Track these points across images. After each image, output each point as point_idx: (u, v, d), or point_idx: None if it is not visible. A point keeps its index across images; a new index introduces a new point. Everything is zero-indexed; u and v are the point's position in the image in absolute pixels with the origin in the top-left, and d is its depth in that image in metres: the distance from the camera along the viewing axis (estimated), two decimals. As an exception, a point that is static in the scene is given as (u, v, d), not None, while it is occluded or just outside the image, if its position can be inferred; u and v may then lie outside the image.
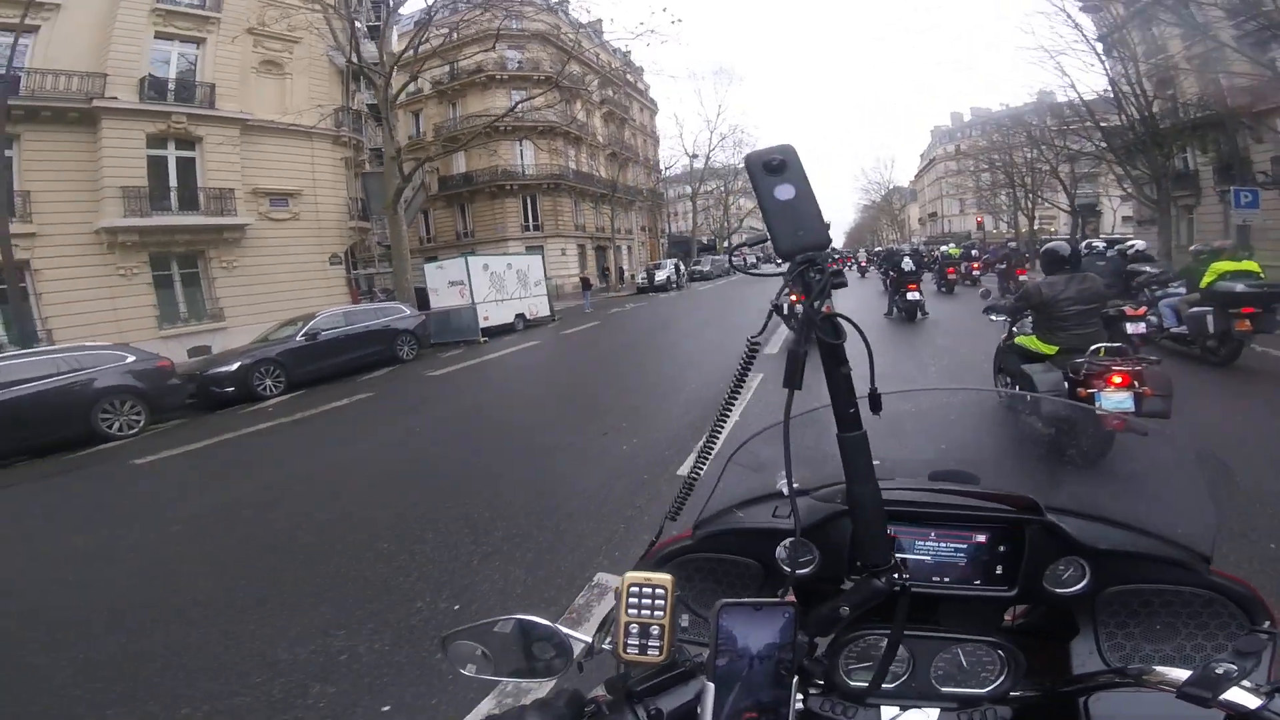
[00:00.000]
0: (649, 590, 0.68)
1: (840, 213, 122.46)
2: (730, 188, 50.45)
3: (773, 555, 0.89)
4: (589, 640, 0.75)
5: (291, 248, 19.41)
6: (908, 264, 12.25)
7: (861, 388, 0.71)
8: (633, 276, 37.25)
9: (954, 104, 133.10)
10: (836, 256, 35.09)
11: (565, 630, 0.76)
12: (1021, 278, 13.77)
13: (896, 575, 0.73)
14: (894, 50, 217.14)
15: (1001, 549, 0.84)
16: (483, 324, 15.94)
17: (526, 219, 33.01)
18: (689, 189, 49.27)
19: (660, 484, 4.44)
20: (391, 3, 18.66)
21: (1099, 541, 0.83)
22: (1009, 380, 4.77)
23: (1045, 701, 0.79)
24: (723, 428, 0.85)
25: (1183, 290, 7.95)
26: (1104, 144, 20.09)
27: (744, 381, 0.79)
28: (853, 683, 0.80)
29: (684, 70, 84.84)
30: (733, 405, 0.84)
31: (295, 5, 16.34)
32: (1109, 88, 19.37)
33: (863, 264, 32.51)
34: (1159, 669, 0.68)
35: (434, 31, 26.69)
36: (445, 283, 16.34)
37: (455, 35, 30.85)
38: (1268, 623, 0.79)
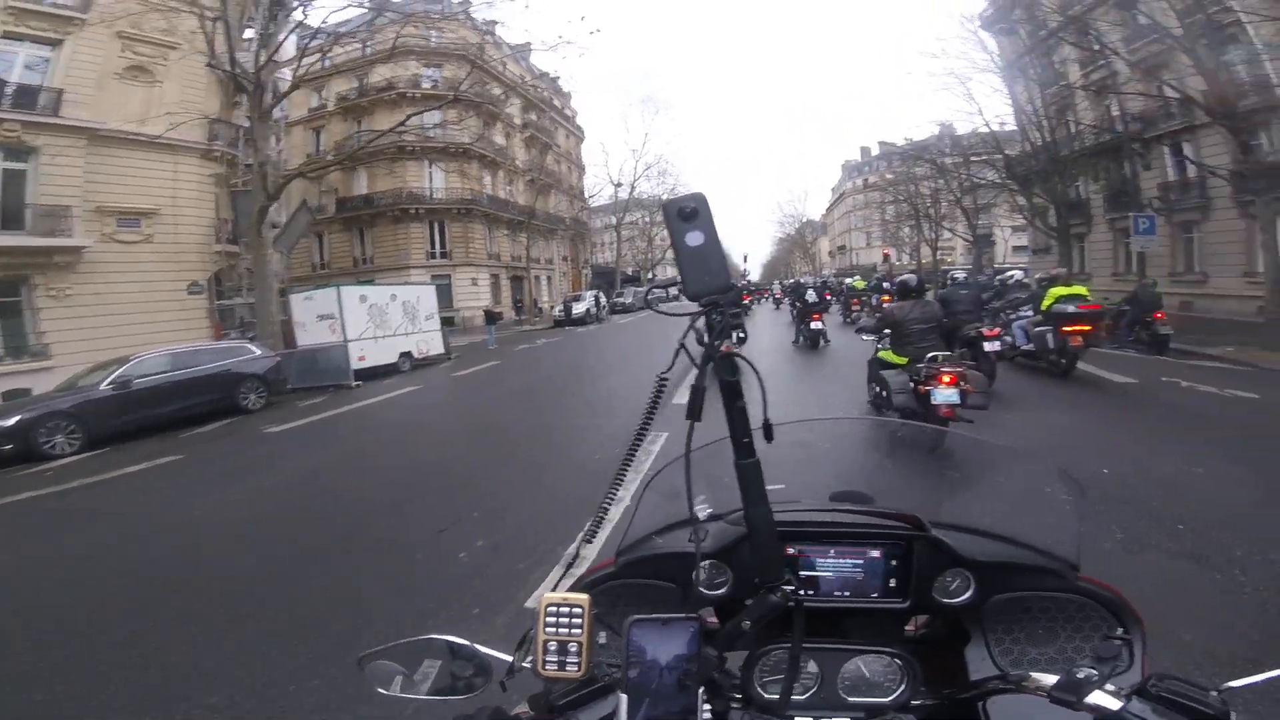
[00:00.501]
0: (566, 609, 0.73)
1: (758, 245, 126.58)
2: (655, 219, 50.24)
3: (690, 579, 0.93)
4: (510, 659, 0.79)
5: (143, 274, 17.10)
6: (811, 296, 13.17)
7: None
8: (551, 308, 35.89)
9: (864, 138, 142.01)
10: (755, 289, 35.74)
11: (485, 649, 0.82)
12: (887, 305, 15.65)
13: (791, 590, 0.78)
14: (813, 84, 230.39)
15: (894, 563, 0.93)
16: (358, 364, 14.32)
17: (433, 245, 31.38)
18: (614, 219, 48.72)
19: (493, 625, 3.09)
20: (272, 7, 17.22)
21: (979, 554, 0.92)
22: (875, 385, 5.79)
23: (947, 707, 0.84)
24: (631, 463, 0.89)
25: (1030, 313, 9.25)
26: (1005, 172, 21.15)
27: (653, 418, 0.84)
28: (767, 695, 0.84)
29: (611, 86, 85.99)
30: (641, 441, 0.87)
31: (177, 8, 14.65)
32: (1013, 114, 20.62)
33: (778, 295, 33.05)
34: (1035, 675, 0.75)
35: (341, 46, 25.69)
36: (314, 317, 14.63)
37: (366, 49, 29.70)
38: (1121, 629, 0.87)
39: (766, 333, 17.61)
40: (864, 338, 6.29)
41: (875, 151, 69.97)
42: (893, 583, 0.92)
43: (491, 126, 34.77)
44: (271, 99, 15.95)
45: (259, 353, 12.32)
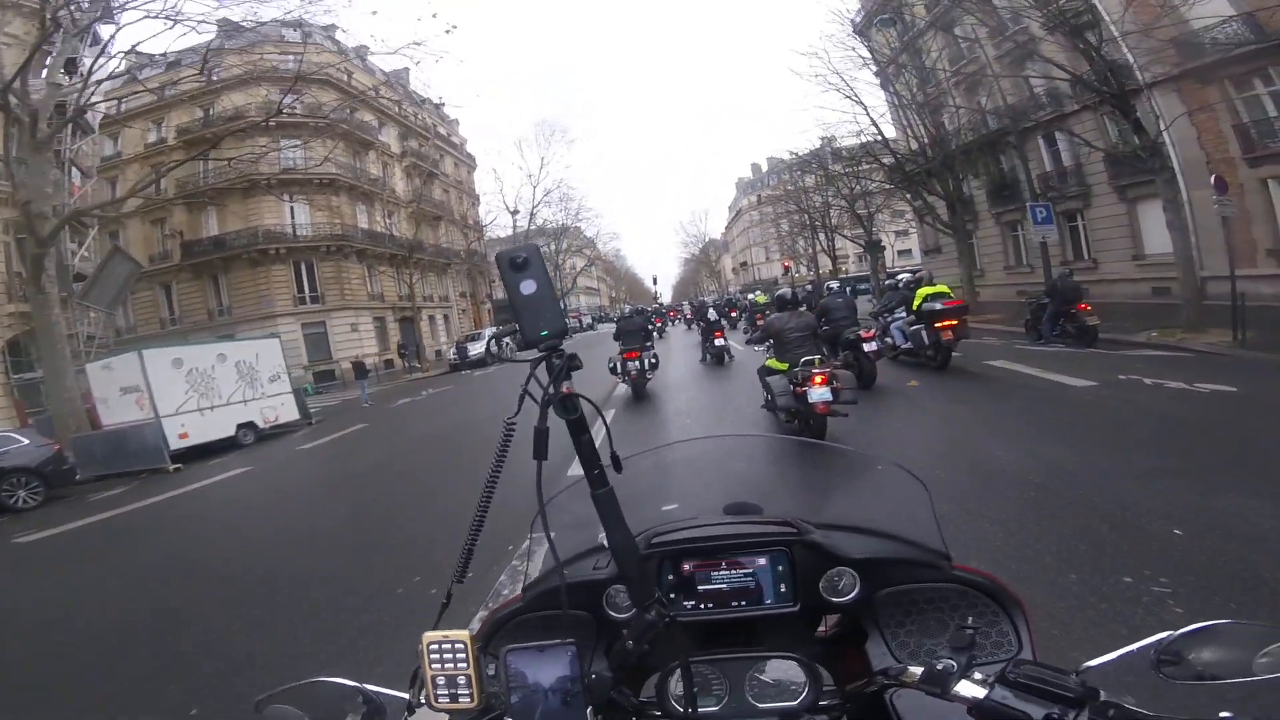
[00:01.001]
0: (448, 645, 0.74)
1: (667, 266, 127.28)
2: (561, 247, 48.18)
3: (600, 604, 0.98)
4: (406, 696, 0.80)
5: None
6: (712, 314, 14.12)
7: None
8: (445, 351, 32.78)
9: (755, 154, 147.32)
10: (666, 310, 34.76)
11: (377, 689, 0.82)
12: (766, 318, 17.17)
13: (664, 607, 0.83)
14: (708, 102, 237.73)
15: (780, 569, 0.96)
16: (180, 443, 11.45)
17: (302, 289, 27.76)
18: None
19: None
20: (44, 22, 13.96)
21: (857, 551, 0.96)
22: (764, 391, 6.38)
23: (858, 705, 0.86)
24: (487, 508, 0.89)
25: (904, 314, 9.92)
26: (895, 173, 20.95)
27: (503, 464, 0.87)
28: (680, 710, 0.87)
29: (505, 111, 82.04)
30: (493, 486, 0.89)
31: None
32: (892, 116, 20.51)
33: (688, 316, 32.62)
34: (912, 668, 0.76)
35: (182, 73, 22.24)
36: (115, 390, 11.55)
37: (212, 78, 26.04)
38: (972, 618, 0.90)
39: (678, 353, 17.54)
40: (755, 349, 6.92)
41: (765, 167, 72.52)
42: (783, 588, 0.96)
43: (364, 155, 31.73)
44: (47, 127, 12.75)
45: (26, 441, 10.14)
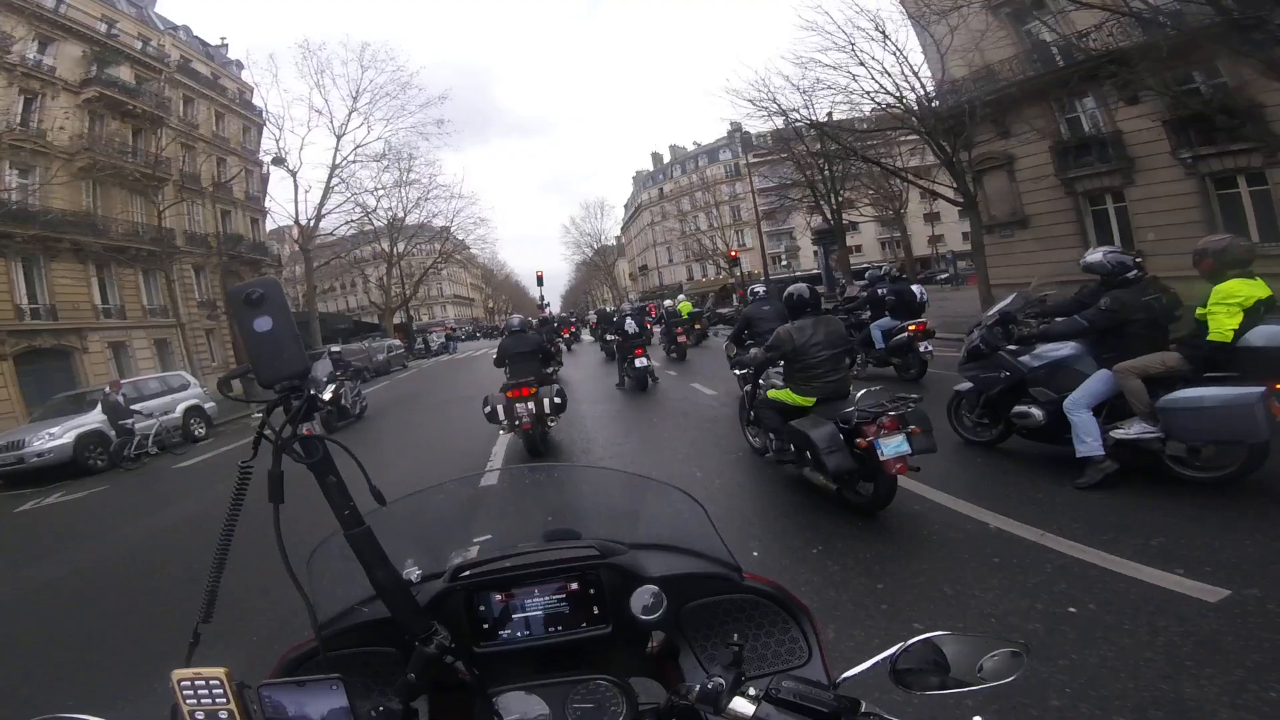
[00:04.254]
0: (203, 682, 0.75)
1: (553, 274, 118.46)
2: (422, 249, 38.64)
3: (404, 639, 0.94)
4: None
5: None
6: (632, 326, 11.54)
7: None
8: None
9: (654, 143, 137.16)
10: (571, 322, 29.45)
11: None
12: (681, 338, 14.56)
13: (441, 639, 0.89)
14: (605, 92, 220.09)
15: (591, 592, 1.04)
16: None
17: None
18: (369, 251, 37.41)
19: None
20: None
21: (656, 570, 1.06)
22: (771, 438, 4.80)
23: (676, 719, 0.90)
24: (227, 550, 0.87)
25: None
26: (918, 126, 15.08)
27: (239, 507, 0.86)
28: None
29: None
30: (231, 529, 0.86)
31: None
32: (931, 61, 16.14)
33: (593, 325, 27.84)
34: (695, 687, 0.80)
35: None
36: None
37: None
38: (737, 634, 0.95)
39: (583, 376, 14.14)
40: (736, 372, 5.65)
41: (667, 157, 67.59)
42: (595, 610, 1.04)
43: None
44: None
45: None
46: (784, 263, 52.14)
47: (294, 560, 0.86)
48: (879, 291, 8.80)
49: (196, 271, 24.63)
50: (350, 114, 28.02)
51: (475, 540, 1.30)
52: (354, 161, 28.24)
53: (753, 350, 5.43)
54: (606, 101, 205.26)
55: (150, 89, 22.80)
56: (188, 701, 0.75)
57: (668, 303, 18.09)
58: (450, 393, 14.48)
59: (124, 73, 21.78)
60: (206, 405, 14.70)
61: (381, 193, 30.53)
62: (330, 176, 27.84)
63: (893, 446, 3.70)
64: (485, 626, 1.04)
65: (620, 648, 1.04)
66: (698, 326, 17.45)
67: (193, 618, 0.87)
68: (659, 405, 9.32)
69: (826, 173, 23.80)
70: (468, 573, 1.05)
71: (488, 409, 6.56)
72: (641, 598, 1.02)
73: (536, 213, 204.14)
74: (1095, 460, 3.94)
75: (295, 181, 28.03)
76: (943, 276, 37.78)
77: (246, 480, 0.84)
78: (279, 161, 25.53)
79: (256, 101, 28.65)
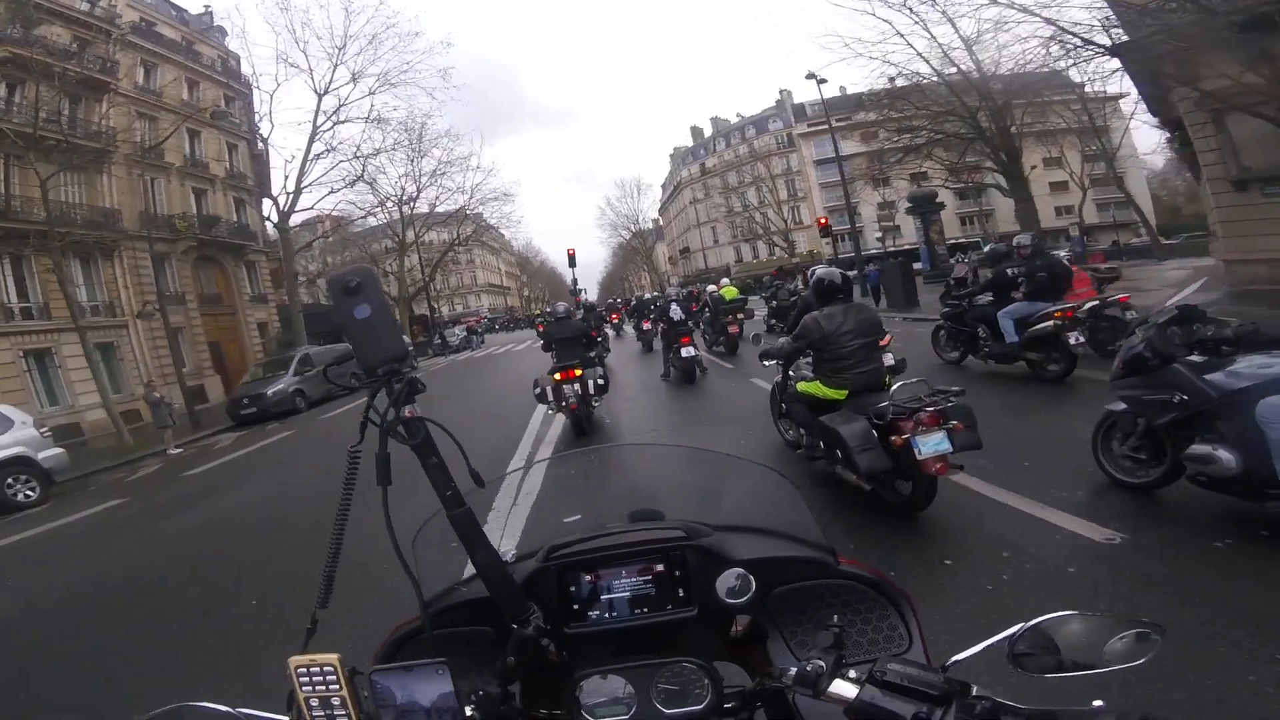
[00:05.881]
0: (317, 669, 0.80)
1: (594, 256, 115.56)
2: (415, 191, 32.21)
3: (502, 620, 0.98)
4: (283, 719, 0.85)
5: None
6: (676, 312, 11.44)
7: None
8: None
9: (695, 117, 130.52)
10: (618, 307, 28.06)
11: (250, 712, 0.89)
12: (732, 329, 13.16)
13: (539, 621, 0.94)
14: (635, 64, 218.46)
15: (677, 574, 1.06)
16: None
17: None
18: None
19: None
20: None
21: (747, 552, 1.06)
22: (802, 433, 4.73)
23: (772, 705, 0.92)
24: (342, 532, 0.92)
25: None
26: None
27: (352, 491, 0.91)
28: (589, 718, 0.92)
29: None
30: (345, 514, 0.92)
31: None
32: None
33: (623, 311, 27.24)
34: (791, 669, 0.79)
35: None
36: None
37: None
38: (838, 615, 0.95)
39: (625, 368, 13.54)
40: (766, 364, 5.24)
41: (709, 131, 64.21)
42: (681, 592, 1.05)
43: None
44: None
45: None
46: (878, 236, 46.38)
47: (400, 542, 0.91)
48: (1008, 271, 7.39)
49: (160, 260, 19.97)
50: (335, 67, 24.04)
51: (565, 520, 1.38)
52: (342, 122, 24.91)
53: (781, 340, 5.20)
54: (635, 88, 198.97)
55: (96, 53, 20.30)
56: (303, 689, 0.80)
57: (710, 288, 16.44)
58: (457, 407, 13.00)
59: (60, 33, 18.90)
60: (44, 455, 10.54)
61: (375, 154, 26.60)
62: (311, 140, 24.11)
63: (931, 444, 3.52)
64: (575, 608, 1.06)
65: (705, 631, 1.06)
66: (740, 316, 15.76)
67: None
68: (699, 396, 9.12)
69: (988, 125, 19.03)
70: (560, 553, 1.07)
71: (537, 390, 7.36)
72: (728, 580, 1.03)
73: (570, 203, 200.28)
74: None
75: (266, 150, 25.61)
76: (1062, 253, 34.30)
77: (356, 465, 0.88)
78: (220, 115, 22.97)
79: (247, 71, 26.35)
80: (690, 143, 66.47)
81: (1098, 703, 0.64)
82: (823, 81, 21.16)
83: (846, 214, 22.84)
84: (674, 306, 11.71)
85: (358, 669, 0.84)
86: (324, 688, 0.80)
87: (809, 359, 4.63)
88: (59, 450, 10.97)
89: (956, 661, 0.77)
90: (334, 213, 28.00)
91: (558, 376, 7.30)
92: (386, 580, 3.20)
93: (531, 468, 4.78)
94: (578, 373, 7.29)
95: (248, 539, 5.86)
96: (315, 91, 23.80)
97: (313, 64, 32.16)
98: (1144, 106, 15.20)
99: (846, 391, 4.20)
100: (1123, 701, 1.87)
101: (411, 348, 25.51)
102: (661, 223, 77.32)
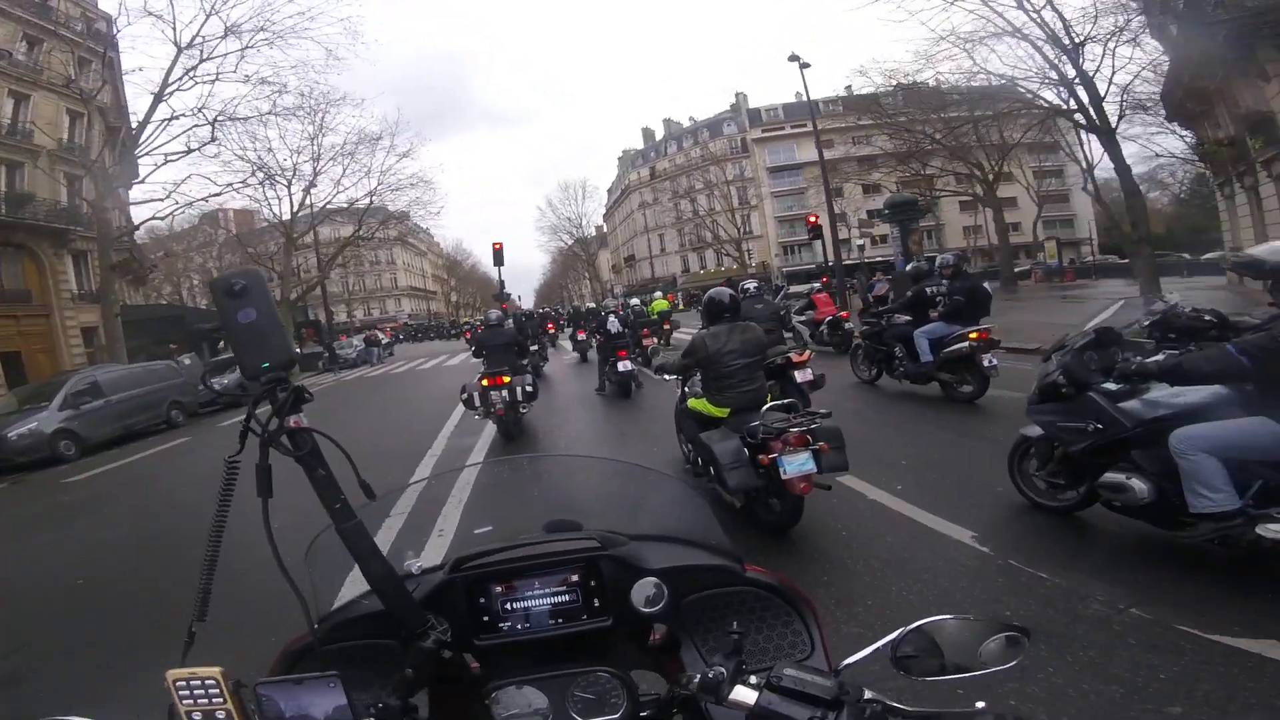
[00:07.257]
0: (198, 682, 0.79)
1: (531, 266, 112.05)
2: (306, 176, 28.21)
3: (402, 634, 0.98)
4: None
5: None
6: (614, 325, 11.70)
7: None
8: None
9: (646, 118, 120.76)
10: (553, 317, 27.36)
11: None
12: (647, 341, 13.39)
13: (439, 633, 0.95)
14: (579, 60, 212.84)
15: (593, 584, 1.06)
16: None
17: None
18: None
19: None
20: None
21: (661, 561, 1.08)
22: (689, 448, 4.89)
23: (686, 712, 0.94)
24: (218, 543, 0.91)
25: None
26: None
27: (228, 504, 0.90)
28: None
29: None
30: (220, 527, 0.91)
31: None
32: None
33: (559, 322, 27.31)
34: (696, 676, 0.82)
35: None
36: None
37: None
38: (738, 622, 0.97)
39: (560, 380, 14.04)
40: (664, 379, 5.41)
41: (660, 133, 62.69)
42: (596, 602, 1.06)
43: None
44: None
45: None
46: (859, 244, 46.54)
47: (289, 555, 0.91)
48: (927, 290, 7.52)
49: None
50: (208, 17, 19.55)
51: (476, 531, 1.45)
52: (210, 81, 20.17)
53: (672, 356, 5.33)
54: (591, 88, 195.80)
55: None
56: (184, 702, 0.79)
57: (634, 301, 16.90)
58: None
59: None
60: None
61: (229, 118, 21.69)
62: (157, 100, 19.63)
63: (796, 464, 3.67)
64: (486, 619, 1.06)
65: (621, 640, 1.08)
66: (667, 327, 15.99)
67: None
68: (634, 411, 9.22)
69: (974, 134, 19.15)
70: (469, 565, 1.08)
71: (464, 395, 7.68)
72: (643, 590, 1.05)
73: (519, 207, 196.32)
74: (1220, 515, 2.81)
75: (88, 113, 20.88)
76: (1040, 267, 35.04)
77: (233, 476, 0.87)
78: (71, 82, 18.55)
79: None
80: (640, 145, 64.80)
81: (980, 704, 0.69)
82: (806, 66, 21.15)
83: (828, 220, 22.45)
84: (612, 319, 11.85)
85: (242, 682, 0.82)
86: (206, 702, 0.78)
87: (697, 375, 4.76)
88: None
89: (848, 665, 0.82)
90: (180, 188, 20.95)
91: (486, 382, 7.53)
92: (285, 596, 3.02)
93: (436, 479, 4.98)
94: (506, 380, 7.52)
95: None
96: (175, 44, 19.64)
97: (177, 11, 27.33)
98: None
99: (729, 410, 4.33)
100: (999, 703, 2.08)
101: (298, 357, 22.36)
102: (606, 229, 76.18)
